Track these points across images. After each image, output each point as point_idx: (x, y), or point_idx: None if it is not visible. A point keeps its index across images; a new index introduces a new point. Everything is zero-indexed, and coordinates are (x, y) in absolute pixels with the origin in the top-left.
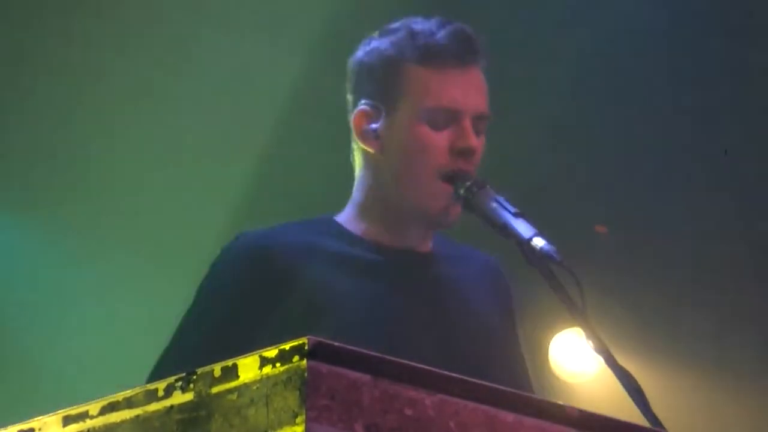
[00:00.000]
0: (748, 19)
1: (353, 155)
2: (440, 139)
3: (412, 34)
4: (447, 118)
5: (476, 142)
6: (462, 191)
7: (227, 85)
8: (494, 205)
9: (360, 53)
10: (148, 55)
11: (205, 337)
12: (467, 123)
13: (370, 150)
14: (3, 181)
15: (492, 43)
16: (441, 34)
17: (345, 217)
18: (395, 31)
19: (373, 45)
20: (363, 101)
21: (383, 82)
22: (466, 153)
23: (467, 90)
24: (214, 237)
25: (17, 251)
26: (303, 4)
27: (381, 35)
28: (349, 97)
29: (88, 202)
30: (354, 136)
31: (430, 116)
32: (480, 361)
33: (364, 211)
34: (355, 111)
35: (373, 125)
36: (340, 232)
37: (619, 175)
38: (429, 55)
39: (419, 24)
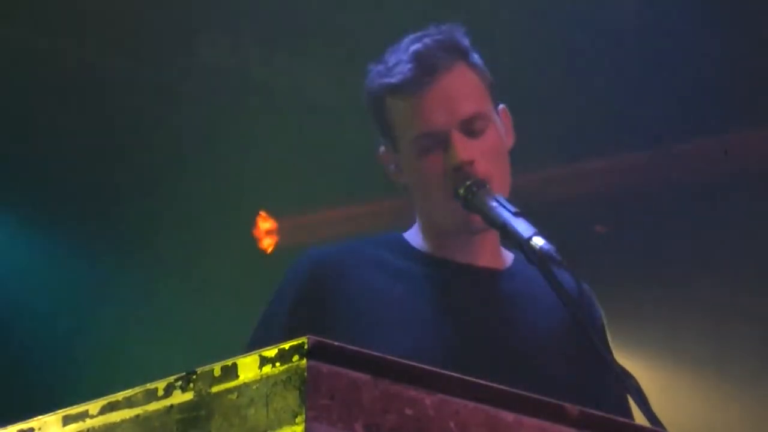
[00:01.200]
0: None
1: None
2: (433, 165)
3: (385, 67)
4: (434, 141)
5: (464, 153)
6: (462, 191)
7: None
8: (494, 204)
9: (364, 90)
10: (150, 56)
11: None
12: (455, 136)
13: (400, 182)
14: (3, 182)
15: (492, 40)
16: (403, 62)
17: (411, 233)
18: (376, 65)
19: (366, 83)
20: (381, 140)
21: (379, 120)
22: (459, 168)
23: (442, 104)
24: (214, 237)
25: (17, 251)
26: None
27: (371, 71)
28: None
29: (89, 201)
30: None
31: (418, 145)
32: (532, 377)
33: (421, 229)
34: (378, 153)
35: (393, 165)
36: (405, 247)
37: (619, 175)
38: (396, 88)
39: (391, 56)
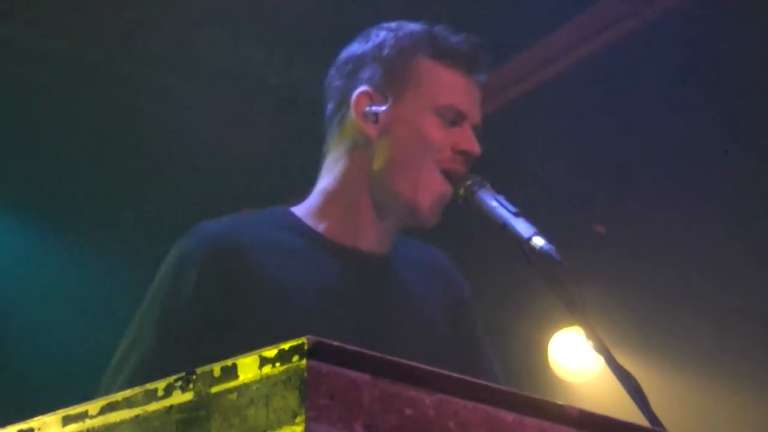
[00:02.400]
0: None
1: (331, 140)
2: (447, 136)
3: (429, 32)
4: (455, 118)
5: (479, 148)
6: (462, 191)
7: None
8: (494, 204)
9: (362, 44)
10: (148, 55)
11: (166, 333)
12: (469, 128)
13: (367, 133)
14: (3, 182)
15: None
16: (458, 38)
17: (304, 209)
18: (409, 26)
19: (383, 36)
20: (363, 87)
21: (394, 70)
22: (468, 156)
23: (472, 99)
24: None
25: (16, 251)
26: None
27: (391, 30)
28: (337, 83)
29: (88, 202)
30: (351, 117)
31: (441, 112)
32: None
33: (331, 201)
34: (356, 93)
35: (375, 108)
36: (300, 227)
37: (619, 175)
38: (445, 53)
39: (437, 28)
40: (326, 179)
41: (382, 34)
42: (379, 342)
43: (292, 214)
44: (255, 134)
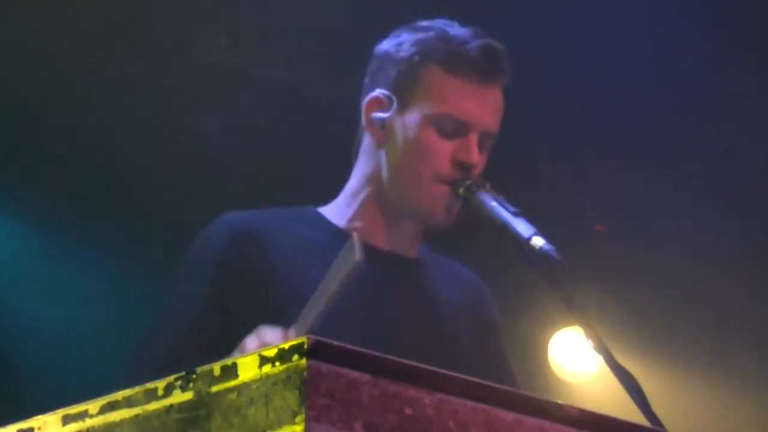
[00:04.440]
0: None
1: (358, 141)
2: (444, 147)
3: (445, 38)
4: (456, 127)
5: (478, 158)
6: (462, 191)
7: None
8: (494, 204)
9: (387, 43)
10: (149, 54)
11: (190, 320)
12: (474, 137)
13: (375, 138)
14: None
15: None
16: (472, 45)
17: (330, 208)
18: (427, 29)
19: (404, 38)
20: (378, 89)
21: (403, 75)
22: (466, 166)
23: (483, 106)
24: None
25: (16, 251)
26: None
27: (412, 31)
28: (365, 80)
29: (88, 202)
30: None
31: (439, 122)
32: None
33: (353, 201)
34: (369, 96)
35: (382, 114)
36: (325, 224)
37: (619, 175)
38: (455, 62)
39: (453, 29)
40: (351, 179)
41: (404, 35)
42: (390, 339)
43: (318, 212)
44: (255, 134)
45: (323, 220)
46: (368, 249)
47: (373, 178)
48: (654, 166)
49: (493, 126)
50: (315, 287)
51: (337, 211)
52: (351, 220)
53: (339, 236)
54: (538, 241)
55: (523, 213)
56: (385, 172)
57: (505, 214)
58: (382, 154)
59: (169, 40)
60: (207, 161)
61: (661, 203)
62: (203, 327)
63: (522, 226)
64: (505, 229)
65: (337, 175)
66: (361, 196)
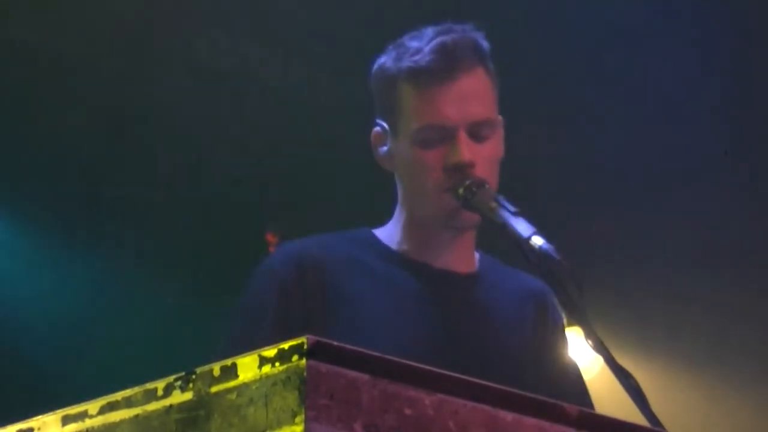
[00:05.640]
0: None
1: None
2: (433, 158)
3: (403, 53)
4: (439, 134)
5: (468, 154)
6: (461, 191)
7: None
8: (493, 204)
9: (373, 69)
10: (148, 55)
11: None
12: (461, 136)
13: (389, 170)
14: (3, 181)
15: (498, 33)
16: (425, 50)
17: (384, 230)
18: (393, 47)
19: (380, 61)
20: (377, 121)
21: (384, 102)
22: (459, 168)
23: (457, 102)
24: (215, 236)
25: (16, 251)
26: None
27: (385, 53)
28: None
29: (88, 202)
30: None
31: (422, 136)
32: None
33: (399, 224)
34: (372, 132)
35: (384, 147)
36: (379, 246)
37: (619, 175)
38: (415, 74)
39: (412, 40)
40: (398, 201)
41: (381, 59)
42: (451, 358)
43: (373, 236)
44: (254, 135)
45: (378, 242)
46: (421, 268)
47: (405, 201)
48: (654, 165)
49: (478, 115)
50: (377, 315)
51: (389, 234)
52: (400, 242)
53: (393, 259)
54: (537, 241)
55: (522, 212)
56: (405, 195)
57: (504, 213)
58: (398, 179)
59: (170, 40)
60: (207, 161)
61: (661, 203)
62: None
63: (522, 226)
64: (504, 228)
65: (337, 175)
66: (402, 219)
